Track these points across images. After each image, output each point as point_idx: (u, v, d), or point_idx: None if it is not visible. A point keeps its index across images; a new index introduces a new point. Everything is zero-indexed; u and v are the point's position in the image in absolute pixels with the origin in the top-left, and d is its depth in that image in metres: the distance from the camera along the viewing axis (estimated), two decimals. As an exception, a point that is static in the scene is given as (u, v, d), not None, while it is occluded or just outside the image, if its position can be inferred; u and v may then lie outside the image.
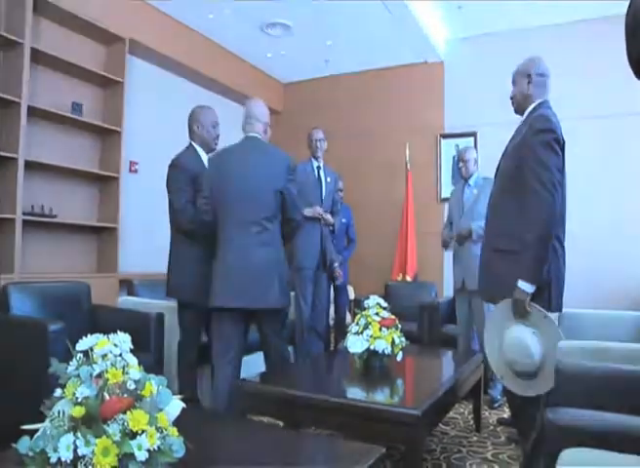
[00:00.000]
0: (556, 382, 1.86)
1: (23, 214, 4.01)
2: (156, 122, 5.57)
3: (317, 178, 4.22)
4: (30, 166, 4.07)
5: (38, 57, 4.15)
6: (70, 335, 2.66)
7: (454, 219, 4.25)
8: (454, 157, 6.13)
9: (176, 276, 3.26)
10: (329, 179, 4.27)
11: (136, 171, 5.31)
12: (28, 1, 3.96)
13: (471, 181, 4.16)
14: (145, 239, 5.31)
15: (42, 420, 1.20)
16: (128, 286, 4.04)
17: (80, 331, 3.16)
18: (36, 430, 1.18)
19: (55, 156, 4.40)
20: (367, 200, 6.17)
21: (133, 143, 5.05)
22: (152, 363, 3.01)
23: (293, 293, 4.18)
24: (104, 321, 3.38)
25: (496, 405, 3.91)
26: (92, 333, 1.25)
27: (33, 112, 4.11)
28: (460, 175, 4.28)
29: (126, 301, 3.81)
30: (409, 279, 5.89)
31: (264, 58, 6.51)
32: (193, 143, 3.33)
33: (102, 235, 4.85)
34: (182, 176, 3.16)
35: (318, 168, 4.26)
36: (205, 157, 3.30)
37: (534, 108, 2.55)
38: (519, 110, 2.67)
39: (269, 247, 2.85)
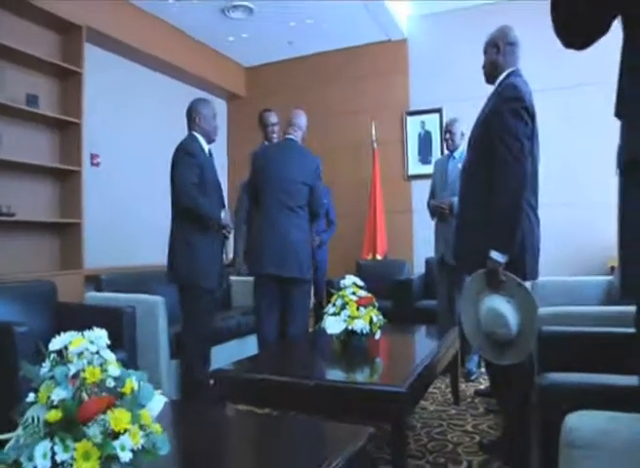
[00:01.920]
0: (542, 349, 1.86)
1: (-20, 213, 3.85)
2: (117, 112, 5.43)
3: None
4: (-15, 162, 3.91)
5: (-11, 47, 3.96)
6: (38, 336, 2.60)
7: (436, 192, 4.23)
8: (419, 134, 6.14)
9: (186, 261, 3.27)
10: None
11: (97, 164, 5.16)
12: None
13: (456, 154, 4.15)
14: (110, 233, 5.20)
15: (13, 429, 1.13)
16: (95, 281, 3.93)
17: (48, 331, 3.11)
18: (8, 440, 1.11)
19: (11, 151, 4.21)
20: (335, 180, 6.10)
21: (93, 136, 4.89)
22: (126, 359, 2.94)
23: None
24: (73, 319, 3.27)
25: (472, 377, 3.96)
26: (60, 333, 1.19)
27: (-15, 106, 3.93)
28: (447, 146, 4.26)
29: (93, 297, 3.72)
30: (379, 257, 5.90)
31: (226, 42, 6.38)
32: (195, 133, 3.41)
33: (65, 231, 4.70)
34: (190, 161, 3.26)
35: None
36: (206, 146, 3.43)
37: (504, 77, 2.53)
38: (490, 80, 2.65)
39: (302, 229, 3.52)
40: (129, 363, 2.84)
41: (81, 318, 3.21)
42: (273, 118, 4.29)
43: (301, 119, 3.69)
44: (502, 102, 2.41)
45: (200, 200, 3.20)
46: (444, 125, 4.27)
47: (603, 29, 1.14)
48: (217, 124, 3.49)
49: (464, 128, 4.09)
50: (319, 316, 5.27)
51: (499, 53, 2.56)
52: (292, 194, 3.47)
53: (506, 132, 2.35)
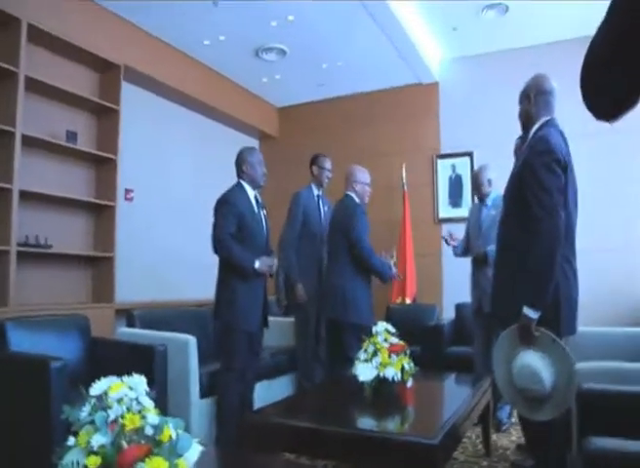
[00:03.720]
0: (583, 407, 1.80)
1: (18, 245, 3.93)
2: (151, 149, 5.54)
3: (317, 207, 4.23)
4: (24, 196, 4.00)
5: (32, 85, 4.10)
6: (71, 371, 2.61)
7: (471, 240, 4.19)
8: (450, 177, 6.14)
9: (226, 303, 3.38)
10: (326, 208, 4.28)
11: (131, 199, 5.25)
12: (22, 29, 3.92)
13: (488, 201, 4.10)
14: (142, 268, 5.24)
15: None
16: (127, 316, 3.95)
17: (82, 365, 3.13)
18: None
19: (49, 185, 4.33)
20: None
21: (128, 171, 5.00)
22: (157, 397, 2.92)
23: (288, 318, 4.16)
24: (105, 355, 3.30)
25: (503, 428, 3.84)
26: (93, 368, 1.20)
27: (27, 141, 4.05)
28: (477, 196, 4.24)
29: (125, 333, 3.72)
30: (408, 301, 5.83)
31: (259, 82, 6.51)
32: (242, 182, 3.56)
33: (98, 265, 4.76)
34: (229, 210, 3.38)
35: (318, 196, 4.27)
36: (252, 193, 3.56)
37: (537, 129, 2.53)
38: (524, 129, 2.65)
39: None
40: (159, 401, 2.82)
41: (114, 354, 3.23)
42: (329, 164, 4.38)
43: (360, 174, 4.01)
44: (534, 156, 2.40)
45: (234, 250, 3.31)
46: (472, 174, 4.27)
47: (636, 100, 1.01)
48: (263, 170, 3.61)
49: (494, 174, 4.09)
50: (340, 359, 5.21)
51: (530, 103, 2.56)
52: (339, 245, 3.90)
53: (538, 186, 2.33)
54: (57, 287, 4.48)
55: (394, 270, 4.02)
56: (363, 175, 4.04)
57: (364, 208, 4.00)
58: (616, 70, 1.00)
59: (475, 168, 4.26)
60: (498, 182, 4.08)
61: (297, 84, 6.56)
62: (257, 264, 3.32)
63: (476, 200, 4.37)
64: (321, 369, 4.21)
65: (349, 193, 3.98)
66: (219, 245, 3.33)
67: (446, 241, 4.29)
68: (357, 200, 3.97)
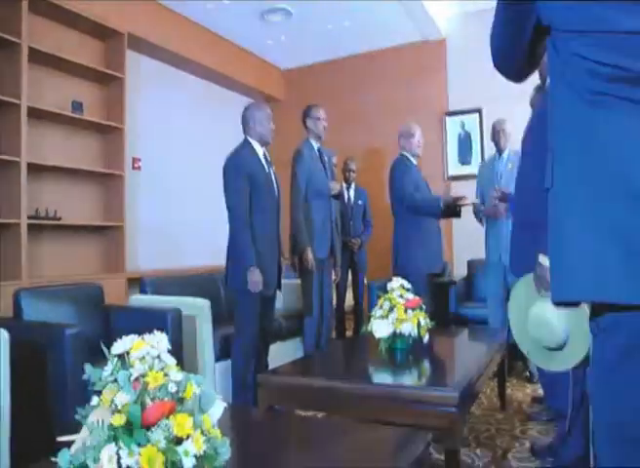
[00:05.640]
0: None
1: (28, 217, 3.93)
2: (157, 117, 5.50)
3: (321, 162, 4.08)
4: (33, 168, 3.99)
5: (36, 56, 4.04)
6: (86, 339, 2.63)
7: (486, 192, 4.10)
8: (459, 134, 6.06)
9: (242, 267, 3.26)
10: (326, 159, 4.15)
11: (139, 168, 5.23)
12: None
13: (505, 154, 4.05)
14: (152, 236, 5.26)
15: (68, 430, 1.14)
16: (139, 284, 3.97)
17: (96, 333, 3.15)
18: (71, 441, 1.11)
19: (57, 157, 4.32)
20: (373, 184, 6.05)
21: (135, 140, 4.98)
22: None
23: (299, 281, 4.09)
24: (119, 321, 3.31)
25: (535, 379, 3.83)
26: (108, 336, 1.19)
27: (33, 113, 4.02)
28: (498, 148, 4.13)
29: (138, 300, 3.74)
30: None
31: (264, 45, 6.41)
32: (249, 139, 3.44)
33: (109, 234, 4.77)
34: (240, 175, 3.26)
35: (319, 150, 4.11)
36: (261, 151, 3.44)
37: None
38: (541, 79, 2.57)
39: None
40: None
41: (127, 320, 3.21)
42: (324, 113, 4.15)
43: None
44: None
45: (243, 240, 3.21)
46: (492, 125, 4.14)
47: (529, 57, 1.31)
48: (272, 126, 3.48)
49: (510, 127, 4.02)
50: (359, 318, 5.24)
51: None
52: None
53: None
54: (68, 258, 4.50)
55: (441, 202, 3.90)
56: (403, 129, 4.25)
57: (414, 161, 4.17)
58: (507, 43, 1.30)
59: (495, 120, 4.14)
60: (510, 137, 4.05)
61: (302, 45, 6.45)
62: (251, 270, 3.18)
63: (488, 155, 4.28)
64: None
65: (400, 152, 4.20)
66: (235, 222, 3.23)
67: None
68: (406, 155, 4.17)
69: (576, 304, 1.43)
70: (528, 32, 1.23)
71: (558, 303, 1.22)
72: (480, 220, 4.22)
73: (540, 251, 2.27)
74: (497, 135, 4.09)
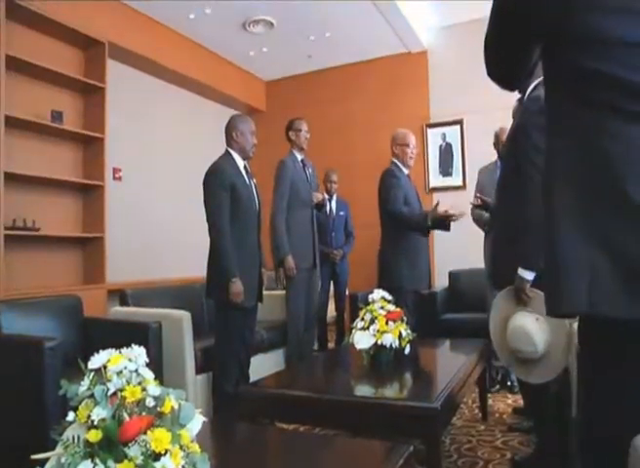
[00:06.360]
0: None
1: (5, 228, 3.87)
2: (138, 127, 5.47)
3: (304, 173, 4.13)
4: (10, 178, 3.93)
5: (13, 64, 4.00)
6: (65, 352, 2.59)
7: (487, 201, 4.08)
8: (440, 146, 6.10)
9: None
10: (310, 171, 4.19)
11: (120, 178, 5.19)
12: (0, 5, 3.81)
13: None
14: (133, 248, 5.21)
15: (46, 446, 1.11)
16: (120, 296, 3.92)
17: (75, 345, 3.10)
18: (46, 459, 1.09)
19: (36, 167, 4.26)
20: (355, 194, 6.07)
21: (115, 150, 4.92)
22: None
23: (282, 292, 4.08)
24: (99, 334, 3.25)
25: (516, 389, 3.83)
26: (87, 349, 1.17)
27: (11, 122, 3.97)
28: (499, 154, 4.07)
29: (118, 312, 3.69)
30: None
31: (247, 56, 6.42)
32: (230, 150, 3.43)
33: (89, 246, 4.72)
34: (220, 184, 3.25)
35: (302, 162, 4.16)
36: (242, 163, 3.43)
37: (533, 88, 2.48)
38: (521, 91, 2.59)
39: None
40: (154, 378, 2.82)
41: (107, 333, 3.18)
42: (306, 126, 4.20)
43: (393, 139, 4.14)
44: (528, 116, 2.35)
45: (225, 250, 3.18)
46: (495, 133, 4.14)
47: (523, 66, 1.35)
48: (254, 141, 3.47)
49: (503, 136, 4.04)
50: (341, 328, 5.24)
51: None
52: None
53: (531, 147, 2.28)
54: (47, 270, 4.44)
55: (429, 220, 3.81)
56: (398, 136, 4.13)
57: (405, 170, 4.07)
58: (501, 52, 1.32)
59: (497, 128, 4.14)
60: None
61: (284, 57, 6.48)
62: (233, 282, 3.16)
63: (488, 163, 4.25)
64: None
65: (392, 159, 4.09)
66: (216, 234, 3.21)
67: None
68: (398, 164, 4.05)
69: (571, 316, 1.43)
70: (523, 42, 1.25)
71: (554, 316, 1.21)
72: (483, 226, 4.18)
73: (519, 264, 2.30)
74: (498, 142, 4.11)
